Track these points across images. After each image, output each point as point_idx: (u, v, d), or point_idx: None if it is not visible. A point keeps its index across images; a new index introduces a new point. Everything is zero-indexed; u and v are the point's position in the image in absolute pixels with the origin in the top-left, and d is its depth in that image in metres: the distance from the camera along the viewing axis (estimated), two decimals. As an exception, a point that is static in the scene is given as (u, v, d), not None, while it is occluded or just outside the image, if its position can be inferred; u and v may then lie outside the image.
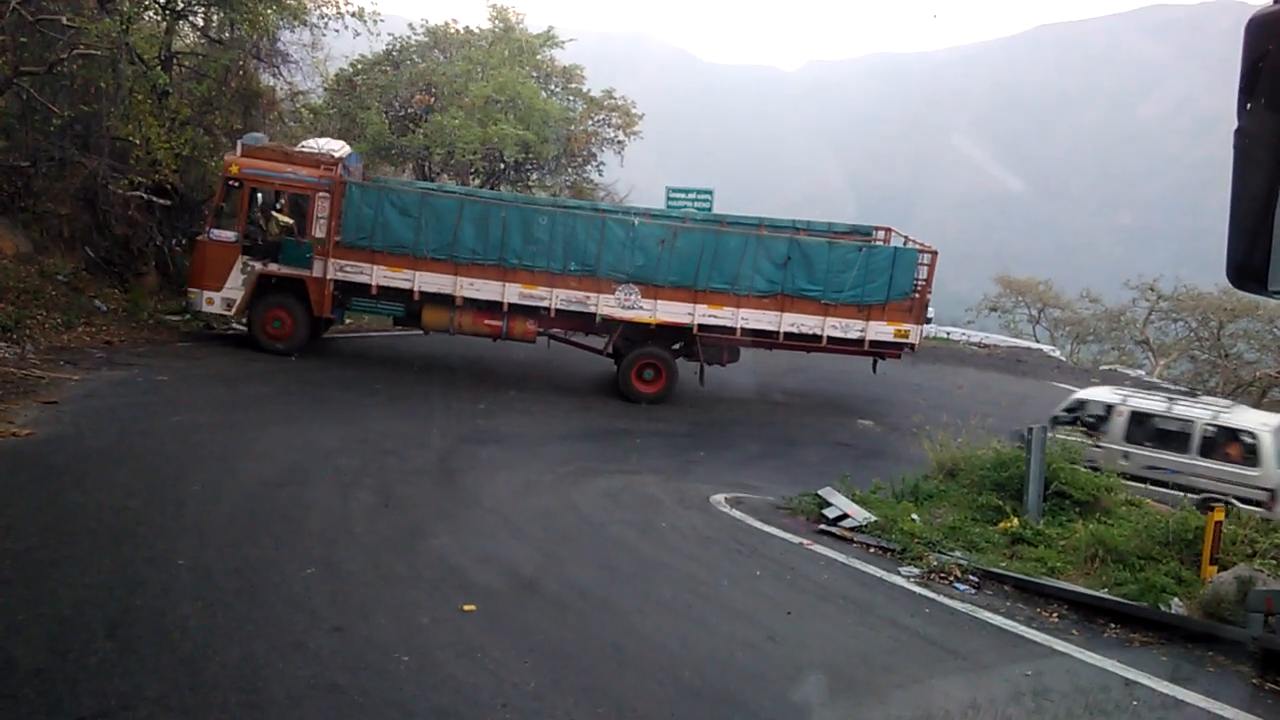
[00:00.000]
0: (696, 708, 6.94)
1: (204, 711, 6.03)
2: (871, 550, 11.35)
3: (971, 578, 10.39)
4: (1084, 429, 14.98)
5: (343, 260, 18.69)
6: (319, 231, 18.68)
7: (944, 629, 9.02)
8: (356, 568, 9.03)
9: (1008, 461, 12.88)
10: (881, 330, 19.16)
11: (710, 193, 23.10)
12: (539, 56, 30.99)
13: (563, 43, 31.58)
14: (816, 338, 19.25)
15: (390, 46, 29.58)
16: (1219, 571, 9.67)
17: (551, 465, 14.12)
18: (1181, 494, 12.79)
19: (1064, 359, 30.90)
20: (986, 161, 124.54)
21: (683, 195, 23.18)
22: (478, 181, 29.16)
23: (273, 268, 18.74)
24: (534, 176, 31.10)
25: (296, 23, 23.59)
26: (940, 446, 14.27)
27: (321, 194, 18.65)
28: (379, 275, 18.74)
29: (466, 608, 8.18)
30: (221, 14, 22.69)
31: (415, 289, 18.79)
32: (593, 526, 11.65)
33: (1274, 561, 9.96)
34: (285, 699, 6.27)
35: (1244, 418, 14.83)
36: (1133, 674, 7.91)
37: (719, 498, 13.10)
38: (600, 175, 31.98)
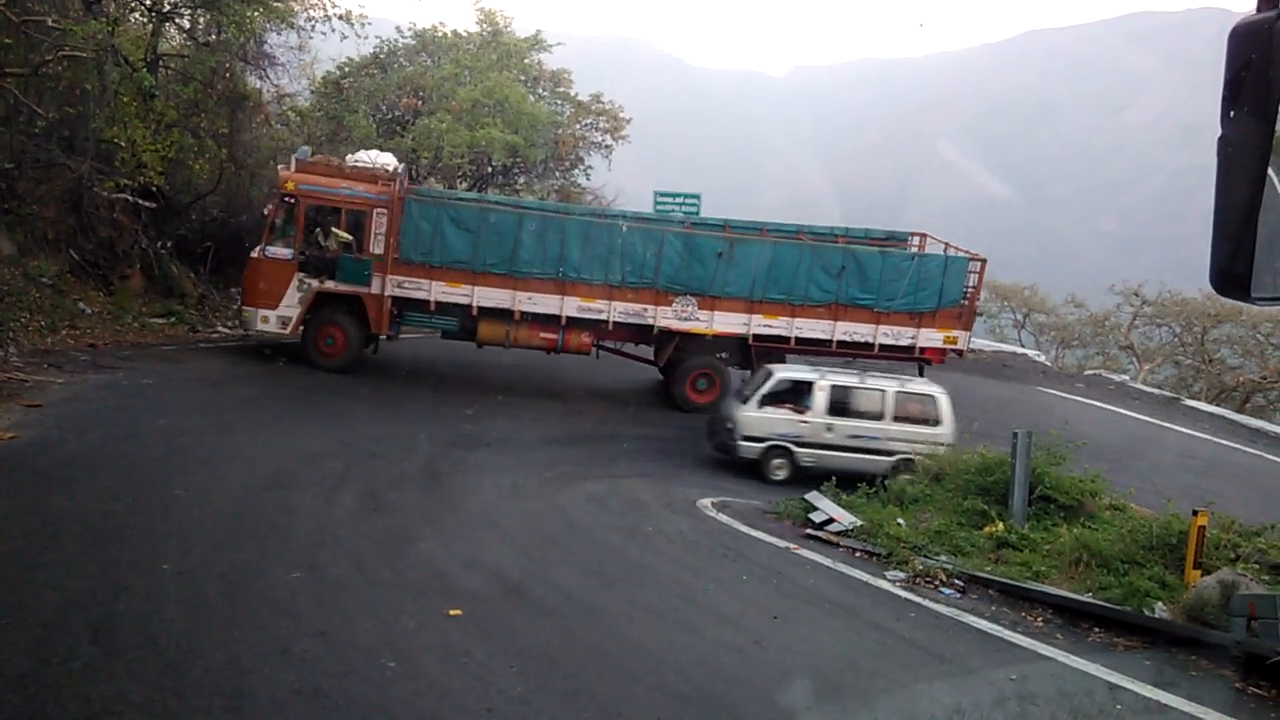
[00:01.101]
0: (683, 712, 6.94)
1: (188, 716, 6.00)
2: (857, 554, 11.38)
3: (957, 582, 10.43)
4: (790, 406, 15.75)
5: (401, 276, 18.48)
6: (376, 248, 18.40)
7: (929, 633, 9.04)
8: (342, 572, 9.00)
9: (993, 466, 12.94)
10: (932, 337, 19.53)
11: (697, 197, 23.10)
12: (527, 60, 30.94)
13: (550, 47, 31.53)
14: (868, 345, 19.51)
15: (377, 50, 29.47)
16: (1202, 576, 9.71)
17: (538, 470, 14.11)
18: (884, 456, 15.32)
19: (1049, 364, 30.99)
20: (973, 167, 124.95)
21: (670, 199, 23.16)
22: (464, 185, 29.10)
23: (329, 285, 18.42)
24: (521, 180, 31.05)
25: (283, 25, 23.49)
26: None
27: (379, 210, 18.37)
28: (438, 291, 18.58)
29: (452, 612, 8.17)
30: (208, 16, 22.59)
31: (474, 304, 18.64)
32: (579, 531, 11.65)
33: (1257, 566, 10.01)
34: (270, 704, 6.25)
35: (923, 386, 16.64)
36: (1117, 678, 7.94)
37: (706, 502, 13.12)
38: (588, 179, 31.94)
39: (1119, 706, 7.50)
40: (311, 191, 18.34)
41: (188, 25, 23.78)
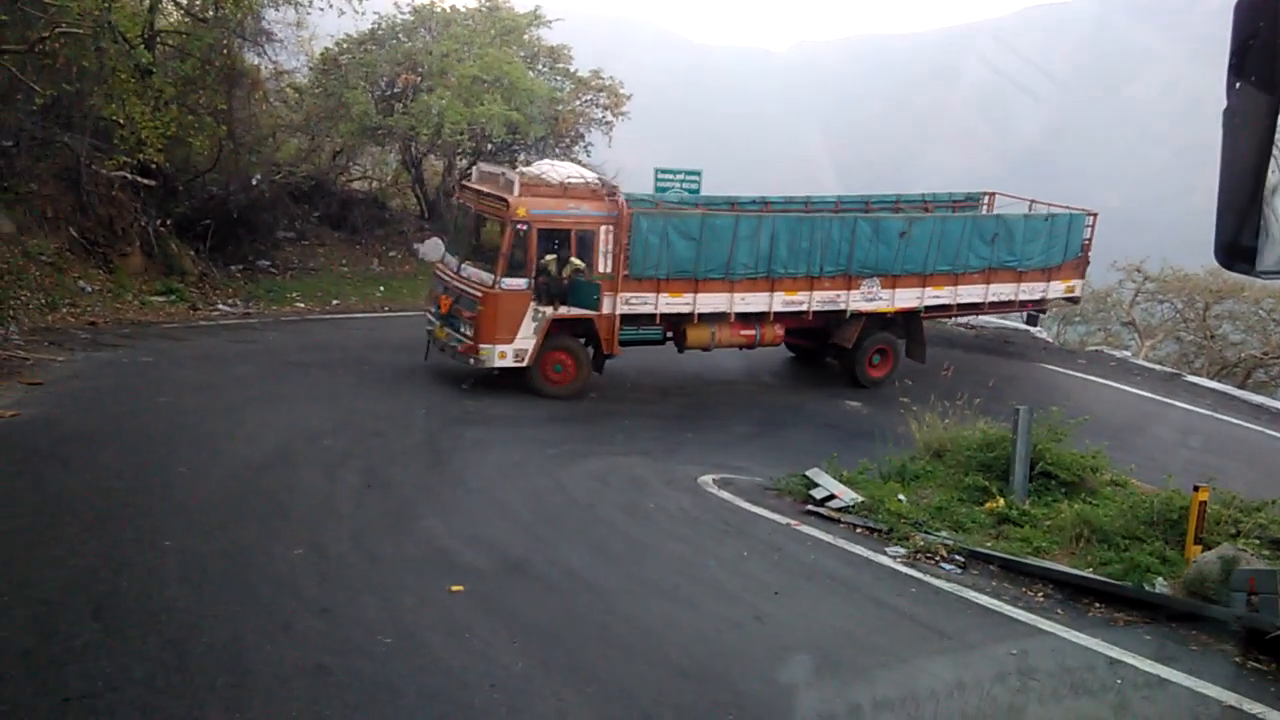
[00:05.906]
0: (684, 687, 6.96)
1: (191, 693, 6.02)
2: (858, 530, 11.39)
3: (957, 557, 10.44)
4: None
5: (630, 293, 18.11)
6: (604, 266, 17.83)
7: (930, 608, 9.06)
8: (343, 549, 9.03)
9: (994, 442, 12.93)
10: (1056, 289, 21.78)
11: (698, 173, 22.99)
12: (526, 36, 30.76)
13: (550, 22, 31.35)
14: (1011, 303, 21.56)
15: (375, 25, 29.29)
16: (1203, 551, 9.72)
17: (539, 446, 14.12)
18: None
19: (1051, 340, 30.91)
20: (973, 142, 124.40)
21: (671, 176, 23.05)
22: (464, 162, 29.00)
23: (562, 311, 17.54)
24: (521, 157, 30.86)
25: (281, 1, 23.36)
26: (927, 427, 14.31)
27: (607, 226, 17.80)
28: (663, 303, 18.36)
29: (454, 589, 8.19)
30: (205, -8, 22.47)
31: (695, 311, 18.47)
32: (580, 508, 11.67)
33: (1257, 542, 10.03)
34: (272, 680, 6.27)
35: None
36: (1117, 653, 7.96)
37: (707, 479, 13.12)
38: (588, 155, 31.76)
39: (1119, 681, 7.53)
40: (543, 216, 17.43)
41: (185, 1, 23.64)
